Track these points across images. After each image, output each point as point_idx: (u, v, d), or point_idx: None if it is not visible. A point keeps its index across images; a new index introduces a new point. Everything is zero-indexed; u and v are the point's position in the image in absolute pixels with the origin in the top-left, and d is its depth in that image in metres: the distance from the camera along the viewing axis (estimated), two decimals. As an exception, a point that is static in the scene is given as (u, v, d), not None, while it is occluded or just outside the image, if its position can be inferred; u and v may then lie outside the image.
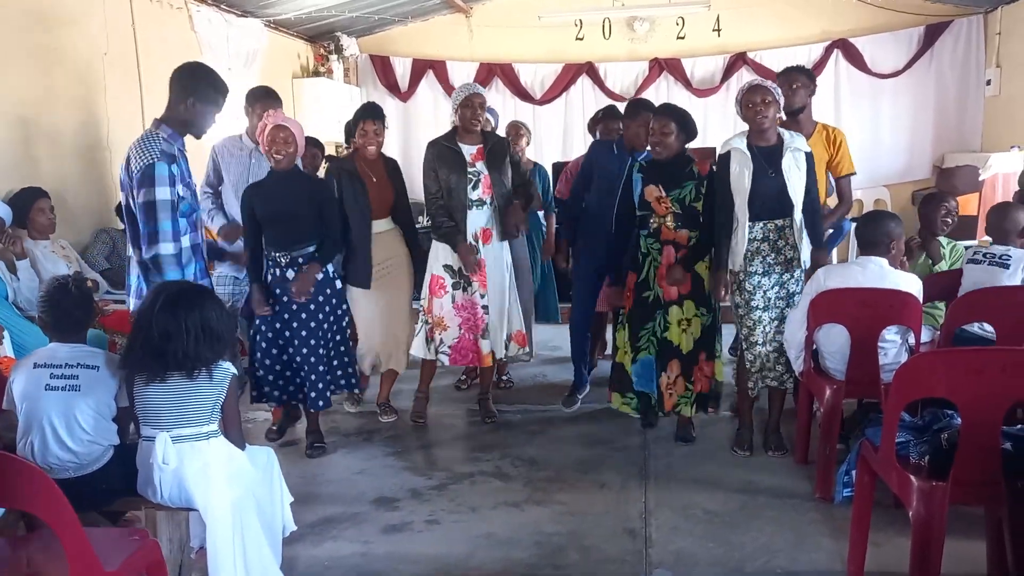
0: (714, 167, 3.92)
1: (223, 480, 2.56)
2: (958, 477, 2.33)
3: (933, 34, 8.47)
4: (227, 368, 2.63)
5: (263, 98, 4.42)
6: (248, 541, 2.61)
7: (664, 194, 3.95)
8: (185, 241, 3.25)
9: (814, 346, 3.60)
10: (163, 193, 3.10)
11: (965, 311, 3.32)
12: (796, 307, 3.66)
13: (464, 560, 3.08)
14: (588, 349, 4.94)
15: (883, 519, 2.99)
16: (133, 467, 2.63)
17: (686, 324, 4.00)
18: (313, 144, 5.16)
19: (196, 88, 3.30)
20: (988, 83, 8.32)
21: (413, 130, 9.20)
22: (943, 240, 4.20)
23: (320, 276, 4.02)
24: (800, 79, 4.37)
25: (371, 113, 4.40)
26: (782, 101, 3.85)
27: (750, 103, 3.77)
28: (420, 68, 9.17)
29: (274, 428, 4.38)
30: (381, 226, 4.43)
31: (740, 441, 4.04)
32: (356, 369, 4.34)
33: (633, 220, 4.09)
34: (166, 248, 3.12)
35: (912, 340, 3.41)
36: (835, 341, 3.48)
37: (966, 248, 4.16)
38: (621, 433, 4.17)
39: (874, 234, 3.50)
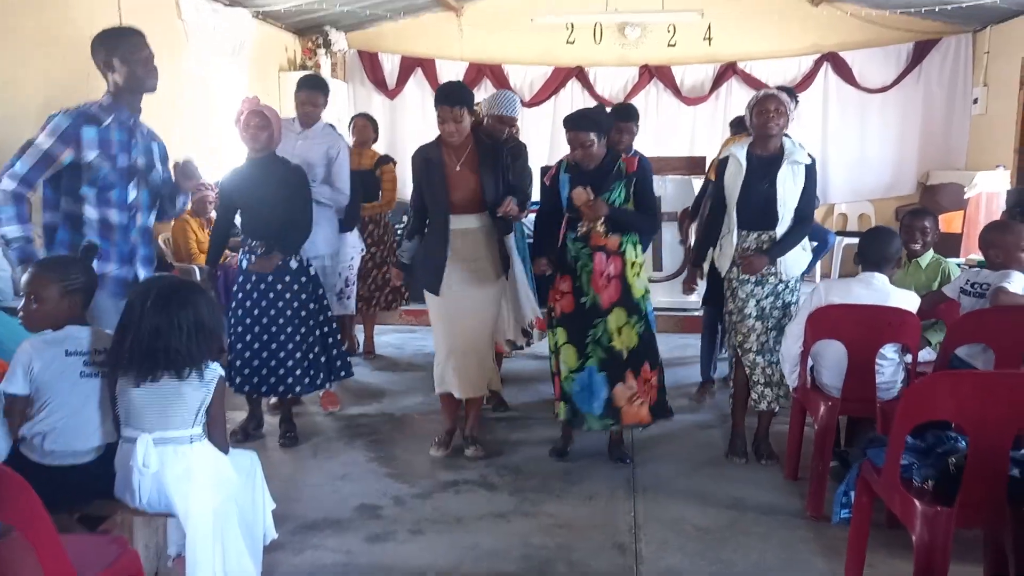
0: (646, 165, 3.83)
1: (206, 486, 2.46)
2: (964, 501, 2.28)
3: (922, 51, 8.54)
4: (216, 369, 2.55)
5: (304, 87, 4.55)
6: (228, 549, 2.52)
7: (594, 197, 3.71)
8: (92, 213, 3.09)
9: (809, 361, 3.55)
10: (45, 141, 2.96)
11: (963, 333, 3.29)
12: (793, 321, 3.61)
13: (449, 572, 3.00)
14: None
15: (877, 540, 2.92)
16: (112, 468, 2.52)
17: (617, 333, 3.81)
18: (365, 116, 5.79)
19: (107, 47, 3.09)
20: (975, 102, 8.39)
21: (400, 128, 9.12)
22: (922, 260, 4.11)
23: (294, 265, 4.02)
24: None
25: (444, 97, 3.72)
26: (792, 114, 3.81)
27: (764, 110, 3.74)
28: (409, 66, 9.10)
29: (238, 430, 4.22)
30: (462, 223, 3.86)
31: (735, 449, 4.02)
32: (346, 360, 4.29)
33: (557, 221, 3.90)
34: (6, 184, 2.95)
35: (909, 359, 3.38)
36: (831, 356, 3.44)
37: (958, 267, 4.11)
38: (606, 441, 4.08)
39: (880, 251, 3.46)
